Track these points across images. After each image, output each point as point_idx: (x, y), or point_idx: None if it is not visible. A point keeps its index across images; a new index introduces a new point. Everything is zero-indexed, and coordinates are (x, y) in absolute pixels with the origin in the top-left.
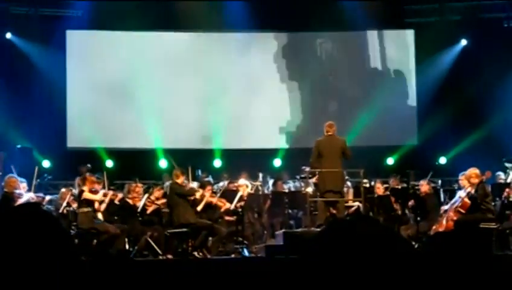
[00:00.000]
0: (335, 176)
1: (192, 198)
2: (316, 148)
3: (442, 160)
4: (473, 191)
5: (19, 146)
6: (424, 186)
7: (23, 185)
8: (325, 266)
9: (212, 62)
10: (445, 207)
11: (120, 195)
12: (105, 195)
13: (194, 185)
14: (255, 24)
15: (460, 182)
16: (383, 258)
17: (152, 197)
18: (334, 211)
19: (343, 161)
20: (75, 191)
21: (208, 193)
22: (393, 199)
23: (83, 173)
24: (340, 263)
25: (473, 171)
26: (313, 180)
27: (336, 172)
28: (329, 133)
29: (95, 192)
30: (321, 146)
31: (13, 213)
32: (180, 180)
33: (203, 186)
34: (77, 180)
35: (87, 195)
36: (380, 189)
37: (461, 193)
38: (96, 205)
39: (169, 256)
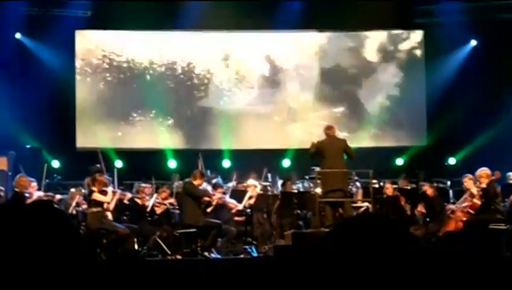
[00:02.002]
0: (338, 176)
1: (203, 201)
2: (315, 148)
3: (452, 161)
4: (481, 192)
5: (28, 146)
6: (428, 189)
7: (33, 185)
8: (334, 266)
9: (218, 62)
10: (452, 207)
11: (129, 195)
12: (114, 193)
13: (203, 185)
14: (267, 24)
15: (465, 184)
16: (393, 256)
17: (160, 198)
18: (342, 212)
19: (348, 161)
20: (85, 191)
21: (218, 195)
22: (402, 200)
23: (92, 173)
24: (350, 262)
25: (484, 171)
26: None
27: (338, 172)
28: (329, 135)
29: (105, 192)
30: (323, 147)
31: (25, 211)
32: (197, 182)
33: (213, 188)
34: (87, 180)
35: (96, 196)
36: (389, 189)
37: (469, 194)
38: (105, 205)
39: (178, 256)
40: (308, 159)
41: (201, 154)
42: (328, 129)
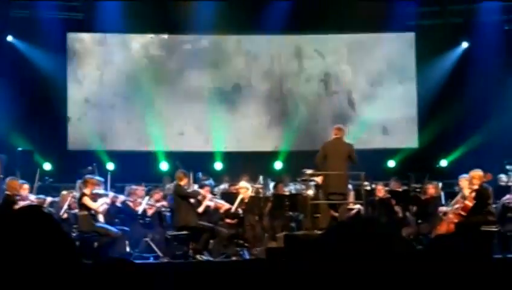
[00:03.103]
0: (339, 178)
1: (193, 200)
2: (323, 150)
3: (443, 163)
4: (473, 194)
5: (19, 149)
6: (430, 189)
7: (24, 188)
8: (326, 268)
9: (213, 64)
10: (444, 209)
11: (122, 198)
12: (103, 204)
13: (195, 187)
14: (260, 27)
15: (460, 183)
16: (385, 259)
17: (152, 200)
18: (336, 214)
19: (348, 165)
20: (76, 193)
21: (207, 195)
22: (393, 202)
23: (84, 175)
24: (342, 264)
25: (476, 173)
26: (317, 179)
27: (340, 175)
28: (337, 136)
29: (96, 194)
30: (327, 148)
31: (15, 216)
32: (183, 182)
33: (201, 188)
34: (78, 183)
35: (86, 200)
36: (380, 192)
37: (461, 195)
38: (96, 209)
39: (170, 259)
40: (300, 161)
41: (179, 162)
42: (338, 130)
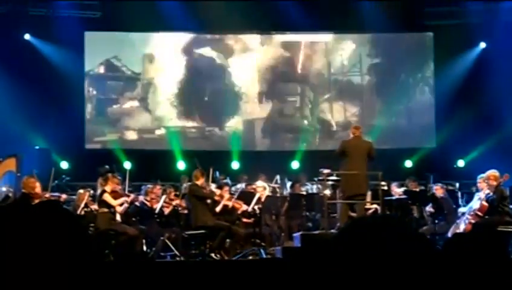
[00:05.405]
0: (360, 179)
1: (210, 201)
2: (342, 147)
3: (461, 163)
4: (491, 194)
5: (37, 147)
6: (438, 190)
7: (37, 186)
8: (344, 266)
9: (228, 63)
10: (463, 210)
11: (141, 198)
12: (127, 196)
13: (212, 186)
14: (273, 25)
15: (478, 184)
16: (403, 257)
17: (167, 199)
18: (354, 215)
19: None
20: (94, 192)
21: (226, 195)
22: (410, 202)
23: (102, 174)
24: (360, 261)
25: (492, 173)
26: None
27: (360, 175)
28: (356, 135)
29: (116, 193)
30: (349, 147)
31: (33, 211)
32: (200, 181)
33: (220, 187)
34: (99, 180)
35: (106, 197)
36: (406, 190)
37: (479, 196)
38: (116, 206)
39: (187, 258)
40: (317, 160)
41: (197, 160)
42: (355, 129)
